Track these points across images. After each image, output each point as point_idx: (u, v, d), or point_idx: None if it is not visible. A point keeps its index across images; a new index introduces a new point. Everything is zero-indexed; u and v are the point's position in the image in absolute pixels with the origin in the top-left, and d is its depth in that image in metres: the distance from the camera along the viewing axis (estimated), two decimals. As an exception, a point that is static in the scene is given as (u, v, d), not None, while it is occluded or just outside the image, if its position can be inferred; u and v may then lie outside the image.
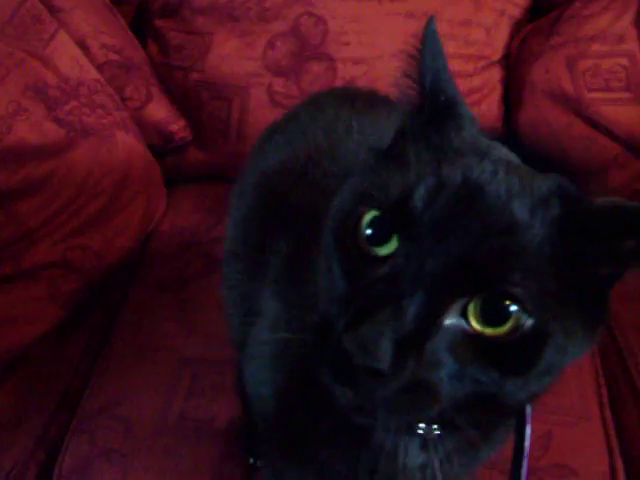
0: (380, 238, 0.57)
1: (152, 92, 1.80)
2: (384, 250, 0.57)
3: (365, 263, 0.57)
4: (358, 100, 1.15)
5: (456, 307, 0.54)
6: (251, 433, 1.30)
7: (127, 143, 1.67)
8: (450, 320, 0.54)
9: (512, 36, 1.89)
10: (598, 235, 0.57)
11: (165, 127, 1.81)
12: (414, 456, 0.73)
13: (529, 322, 0.53)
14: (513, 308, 0.53)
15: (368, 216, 0.59)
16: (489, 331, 0.54)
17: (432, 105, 0.64)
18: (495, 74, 1.86)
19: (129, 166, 1.66)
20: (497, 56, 1.85)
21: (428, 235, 0.54)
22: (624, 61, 1.72)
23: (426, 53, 0.64)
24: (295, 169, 1.01)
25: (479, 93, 1.82)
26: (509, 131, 1.85)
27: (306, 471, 0.86)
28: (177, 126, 1.82)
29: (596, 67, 1.72)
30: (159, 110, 1.81)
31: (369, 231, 0.58)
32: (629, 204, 0.58)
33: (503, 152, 0.65)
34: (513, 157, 0.65)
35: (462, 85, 1.79)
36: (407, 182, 0.57)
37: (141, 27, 1.90)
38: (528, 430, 0.74)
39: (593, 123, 1.73)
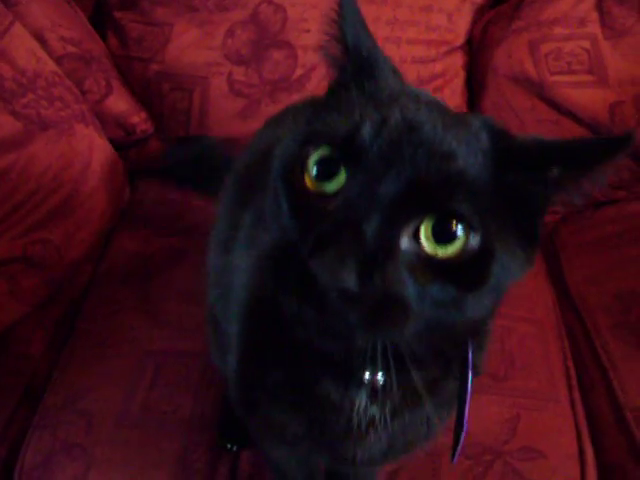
0: (327, 175, 0.61)
1: (112, 84, 1.78)
2: (332, 186, 0.61)
3: (314, 201, 0.61)
4: None
5: (409, 230, 0.58)
6: (229, 418, 1.29)
7: (87, 136, 1.65)
8: (405, 244, 0.58)
9: (475, 21, 1.89)
10: (524, 166, 0.62)
11: (126, 119, 1.79)
12: (362, 408, 0.79)
13: (476, 240, 0.58)
14: (459, 227, 0.58)
15: (315, 155, 0.63)
16: (441, 252, 0.59)
17: (357, 59, 0.68)
18: (458, 59, 1.86)
19: (89, 159, 1.64)
20: (459, 41, 1.85)
21: (378, 163, 0.58)
22: (586, 44, 1.73)
23: (345, 14, 0.68)
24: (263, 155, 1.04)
25: (442, 78, 1.82)
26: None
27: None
28: (138, 118, 1.81)
29: (558, 50, 1.73)
30: (119, 103, 1.79)
31: (315, 170, 0.62)
32: (550, 139, 0.64)
33: (431, 96, 0.70)
34: (441, 101, 0.70)
35: (424, 71, 1.79)
36: (353, 120, 0.62)
37: (101, 19, 1.88)
38: (470, 374, 0.78)
39: (557, 106, 1.73)
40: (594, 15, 1.73)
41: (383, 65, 0.69)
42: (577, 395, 1.41)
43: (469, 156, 0.60)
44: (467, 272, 0.59)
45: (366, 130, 0.60)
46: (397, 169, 0.57)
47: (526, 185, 0.62)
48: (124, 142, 1.85)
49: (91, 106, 1.74)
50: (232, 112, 1.77)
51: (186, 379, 1.37)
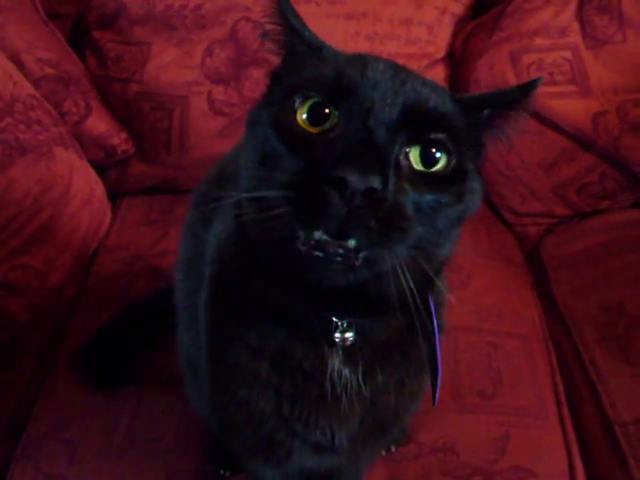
0: (318, 119, 0.70)
1: (91, 105, 1.77)
2: (325, 126, 0.70)
3: (309, 139, 0.69)
4: None
5: (403, 152, 0.69)
6: (219, 444, 1.29)
7: (66, 159, 1.63)
8: (403, 161, 0.69)
9: (455, 33, 1.87)
10: (469, 109, 0.76)
11: (106, 141, 1.78)
12: (336, 371, 0.84)
13: (454, 161, 0.71)
14: (439, 153, 0.70)
15: (306, 104, 0.71)
16: (429, 170, 0.70)
17: (306, 37, 0.79)
18: (439, 72, 1.84)
19: (69, 182, 1.62)
20: (440, 54, 1.84)
21: (371, 97, 0.68)
22: (568, 54, 1.71)
23: (284, 6, 0.78)
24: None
25: (424, 92, 1.80)
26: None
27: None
28: (118, 139, 1.79)
29: (540, 61, 1.72)
30: (99, 124, 1.78)
31: (305, 116, 0.71)
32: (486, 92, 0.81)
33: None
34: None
35: (406, 85, 1.77)
36: (334, 68, 0.72)
37: (79, 40, 1.86)
38: (436, 326, 0.85)
39: (540, 118, 1.72)
40: (575, 25, 1.71)
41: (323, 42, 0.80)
42: (566, 411, 1.40)
43: (440, 100, 0.73)
44: (451, 181, 0.71)
45: (351, 72, 0.70)
46: (390, 100, 0.68)
47: (472, 125, 0.76)
48: (105, 163, 1.84)
49: (70, 128, 1.73)
50: (213, 131, 1.76)
51: (169, 406, 1.35)
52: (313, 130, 0.70)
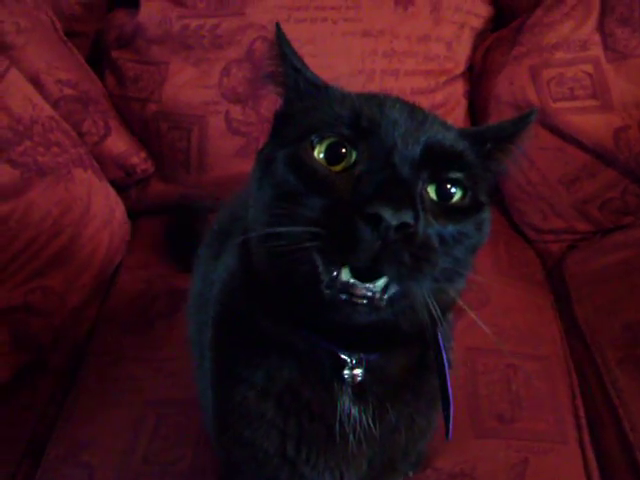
0: (336, 159, 0.72)
1: (110, 125, 1.77)
2: (340, 166, 0.71)
3: (330, 177, 0.70)
4: None
5: (425, 188, 0.71)
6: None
7: (85, 180, 1.64)
8: (425, 197, 0.71)
9: (475, 47, 1.86)
10: (474, 143, 0.79)
11: (126, 160, 1.79)
12: (346, 411, 0.83)
13: (470, 194, 0.74)
14: (454, 189, 0.73)
15: (324, 143, 0.72)
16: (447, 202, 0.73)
17: (309, 77, 0.82)
18: (459, 88, 1.83)
19: (88, 203, 1.63)
20: (460, 69, 1.82)
21: (392, 134, 0.70)
22: (589, 68, 1.69)
23: (285, 47, 0.82)
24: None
25: (443, 108, 1.79)
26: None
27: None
28: (138, 159, 1.80)
29: (560, 76, 1.69)
30: (119, 143, 1.79)
31: (322, 155, 0.72)
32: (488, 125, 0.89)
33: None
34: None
35: (425, 102, 1.76)
36: (352, 108, 0.74)
37: (99, 59, 1.87)
38: (445, 360, 0.86)
39: (560, 133, 1.70)
40: (596, 38, 1.69)
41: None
42: (586, 436, 1.38)
43: (455, 138, 0.76)
44: (469, 215, 0.73)
45: (369, 112, 0.72)
46: (412, 139, 0.70)
47: (480, 158, 0.79)
48: (125, 182, 1.84)
49: (90, 148, 1.73)
50: (231, 151, 1.76)
51: (186, 430, 1.36)
52: (333, 168, 0.71)
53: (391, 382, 0.86)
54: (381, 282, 0.66)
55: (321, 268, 0.66)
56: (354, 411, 0.84)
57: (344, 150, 0.71)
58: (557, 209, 1.76)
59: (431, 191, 0.72)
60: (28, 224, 1.50)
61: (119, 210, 1.79)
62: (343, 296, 0.66)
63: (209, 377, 0.95)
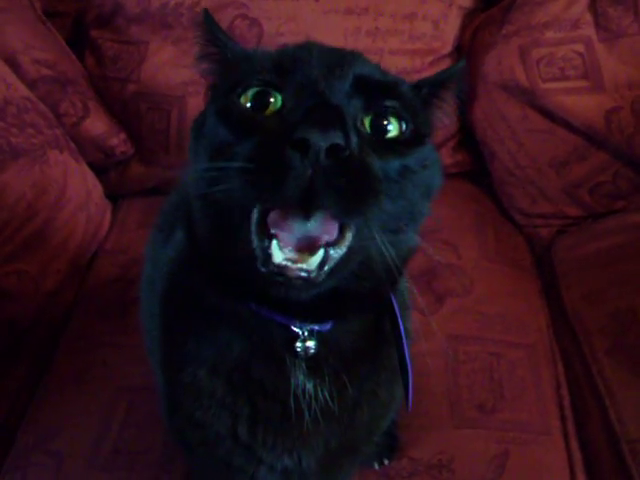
0: (263, 106, 0.70)
1: (89, 106, 1.74)
2: (268, 111, 0.70)
3: (260, 121, 0.68)
4: None
5: (360, 119, 0.70)
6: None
7: (61, 162, 1.61)
8: (361, 128, 0.69)
9: (463, 27, 1.81)
10: (417, 89, 0.79)
11: (105, 142, 1.75)
12: (300, 387, 0.80)
13: (410, 127, 0.72)
14: (389, 121, 0.71)
15: (249, 94, 0.71)
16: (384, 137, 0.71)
17: (235, 48, 0.81)
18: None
19: (64, 186, 1.60)
20: (447, 49, 1.77)
21: (319, 68, 0.69)
22: (580, 48, 1.64)
23: (213, 29, 0.82)
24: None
25: (429, 89, 1.74)
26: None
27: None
28: (117, 140, 1.76)
29: (551, 55, 1.65)
30: (97, 125, 1.75)
31: (249, 104, 0.71)
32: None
33: None
34: None
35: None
36: (273, 56, 0.74)
37: (79, 39, 1.83)
38: (401, 327, 0.83)
39: (550, 114, 1.65)
40: (588, 17, 1.64)
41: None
42: (571, 427, 1.34)
43: (390, 75, 0.76)
44: (411, 148, 0.71)
45: (293, 53, 0.73)
46: (339, 72, 0.69)
47: (420, 100, 0.79)
48: (104, 164, 1.81)
49: (68, 130, 1.70)
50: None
51: (157, 417, 1.31)
52: (261, 114, 0.70)
53: (347, 354, 0.82)
54: (316, 259, 0.63)
55: (255, 243, 0.64)
56: (309, 386, 0.80)
57: (269, 96, 0.70)
58: (547, 193, 1.71)
59: (367, 125, 0.70)
60: (1, 207, 1.47)
61: (96, 193, 1.75)
62: (279, 278, 0.63)
63: (158, 358, 0.92)
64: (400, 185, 0.68)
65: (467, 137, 1.85)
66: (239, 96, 0.71)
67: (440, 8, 1.73)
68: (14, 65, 1.63)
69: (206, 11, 0.84)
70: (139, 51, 1.72)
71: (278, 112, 0.69)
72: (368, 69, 0.73)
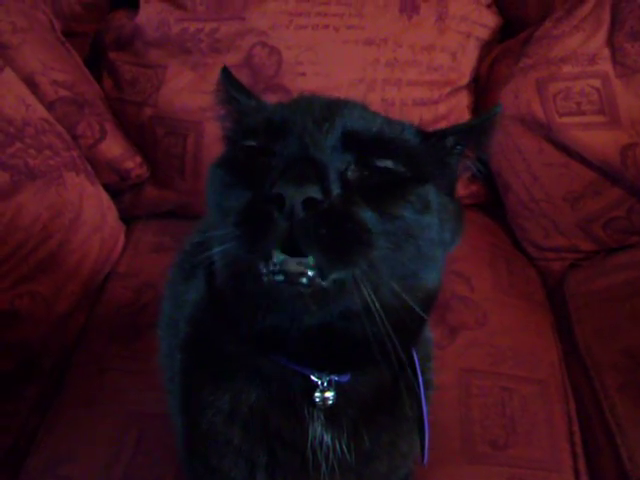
0: (257, 160, 0.71)
1: (106, 128, 1.74)
2: (266, 163, 0.70)
3: (253, 176, 0.69)
4: None
5: (352, 169, 0.69)
6: None
7: (77, 184, 1.61)
8: (352, 177, 0.69)
9: (481, 58, 1.81)
10: (434, 139, 0.78)
11: (120, 164, 1.75)
12: (318, 439, 0.80)
13: (407, 174, 0.71)
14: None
15: (246, 147, 0.73)
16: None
17: (245, 100, 0.85)
18: (462, 100, 1.79)
19: (80, 208, 1.60)
20: (464, 81, 1.78)
21: (306, 123, 0.69)
22: (597, 83, 1.64)
23: (227, 86, 0.86)
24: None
25: (446, 120, 1.75)
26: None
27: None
28: (133, 163, 1.77)
29: (567, 90, 1.65)
30: (113, 147, 1.75)
31: (246, 159, 0.72)
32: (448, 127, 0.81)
33: None
34: None
35: (427, 113, 1.72)
36: (267, 112, 0.76)
37: (97, 60, 1.84)
38: (421, 382, 0.84)
39: (565, 149, 1.66)
40: (605, 52, 1.64)
41: None
42: (582, 464, 1.33)
43: (390, 128, 0.74)
44: (410, 194, 0.70)
45: (282, 110, 0.73)
46: (327, 126, 0.69)
47: (436, 151, 0.77)
48: (119, 187, 1.81)
49: (84, 151, 1.70)
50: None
51: (168, 446, 1.31)
52: (258, 168, 0.70)
53: (366, 405, 0.82)
54: (311, 258, 0.63)
55: (261, 265, 0.64)
56: (327, 438, 0.81)
57: (265, 151, 0.71)
58: (560, 227, 1.72)
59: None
60: (17, 228, 1.47)
61: (111, 215, 1.75)
62: (280, 277, 0.63)
63: (178, 403, 0.92)
64: (397, 234, 0.68)
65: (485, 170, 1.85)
66: (238, 150, 0.74)
67: (458, 40, 1.74)
68: (32, 85, 1.63)
69: (224, 69, 0.87)
70: (157, 75, 1.73)
71: (271, 166, 0.69)
72: (361, 122, 0.72)
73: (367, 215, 0.65)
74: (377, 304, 0.65)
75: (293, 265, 0.62)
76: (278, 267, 0.62)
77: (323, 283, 0.63)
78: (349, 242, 0.63)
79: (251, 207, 0.65)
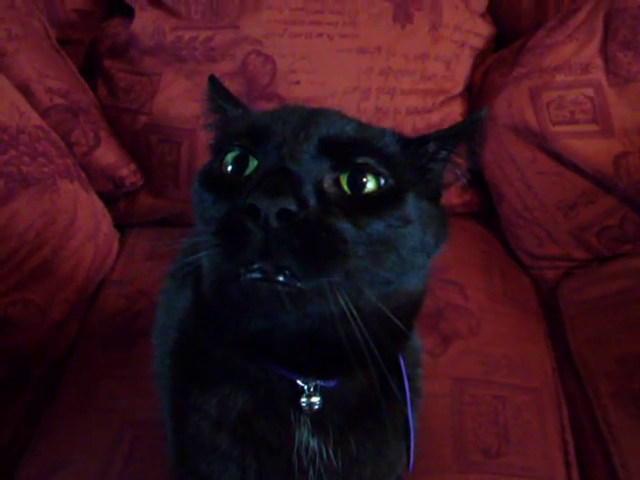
0: (241, 170, 0.72)
1: (100, 136, 1.74)
2: (247, 172, 0.72)
3: (233, 186, 0.71)
4: None
5: (329, 180, 0.69)
6: None
7: (71, 192, 1.61)
8: (329, 187, 0.69)
9: (475, 67, 1.82)
10: (414, 145, 0.77)
11: (114, 172, 1.75)
12: (304, 443, 0.80)
13: (389, 182, 0.71)
14: (366, 177, 0.70)
15: (229, 156, 0.73)
16: (361, 193, 0.70)
17: (231, 110, 0.86)
18: (456, 108, 1.79)
19: (74, 215, 1.60)
20: (458, 89, 1.79)
21: (284, 133, 0.71)
22: (590, 92, 1.65)
23: (214, 94, 0.88)
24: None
25: (439, 129, 1.74)
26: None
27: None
28: (127, 171, 1.77)
29: (561, 99, 1.65)
30: (108, 155, 1.75)
31: (230, 168, 0.73)
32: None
33: None
34: None
35: (420, 122, 1.73)
36: (250, 120, 0.77)
37: (92, 67, 1.84)
38: (407, 389, 0.85)
39: (559, 158, 1.66)
40: (598, 61, 1.65)
41: None
42: (575, 473, 1.33)
43: (366, 132, 0.75)
44: (389, 205, 0.70)
45: (262, 119, 0.75)
46: (304, 134, 0.70)
47: (417, 157, 0.77)
48: (113, 194, 1.81)
49: (78, 159, 1.70)
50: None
51: (161, 454, 1.31)
52: (240, 177, 0.72)
53: (353, 411, 0.83)
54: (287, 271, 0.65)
55: (242, 269, 0.65)
56: (313, 443, 0.81)
57: (247, 159, 0.72)
58: (554, 235, 1.72)
59: (344, 182, 0.70)
60: (11, 235, 1.47)
61: (105, 223, 1.75)
62: (257, 274, 0.64)
63: (167, 409, 0.93)
64: (376, 244, 0.68)
65: (475, 177, 1.85)
66: (220, 160, 0.74)
67: (452, 49, 1.75)
68: (27, 93, 1.63)
69: (211, 77, 0.89)
70: (152, 83, 1.73)
71: (250, 177, 0.71)
72: (337, 128, 0.73)
73: (344, 226, 0.66)
74: (354, 311, 0.66)
75: (268, 266, 0.64)
76: (256, 266, 0.64)
77: (299, 284, 0.64)
78: (323, 252, 0.64)
79: (228, 217, 0.67)
